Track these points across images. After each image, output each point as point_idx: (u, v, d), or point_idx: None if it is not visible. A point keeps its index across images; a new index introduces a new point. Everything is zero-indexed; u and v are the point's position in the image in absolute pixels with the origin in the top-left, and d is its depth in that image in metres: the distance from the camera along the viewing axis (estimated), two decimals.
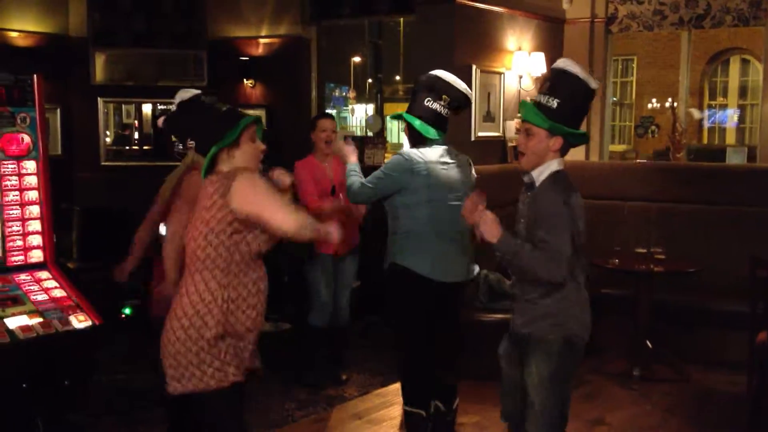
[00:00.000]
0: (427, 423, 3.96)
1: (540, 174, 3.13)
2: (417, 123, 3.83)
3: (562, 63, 3.17)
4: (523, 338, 3.22)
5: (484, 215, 3.09)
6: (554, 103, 3.07)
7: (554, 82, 3.13)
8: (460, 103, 3.90)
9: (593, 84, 3.13)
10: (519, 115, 6.93)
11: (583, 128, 3.23)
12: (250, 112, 8.17)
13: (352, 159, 4.02)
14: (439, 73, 3.88)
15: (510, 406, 3.40)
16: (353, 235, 5.15)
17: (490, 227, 3.07)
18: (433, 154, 3.83)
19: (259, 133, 2.97)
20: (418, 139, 3.86)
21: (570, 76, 3.10)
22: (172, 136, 4.02)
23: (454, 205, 3.80)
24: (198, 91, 3.01)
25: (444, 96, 3.81)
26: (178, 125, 3.07)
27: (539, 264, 3.01)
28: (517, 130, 7.15)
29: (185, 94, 3.02)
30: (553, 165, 3.13)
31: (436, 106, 3.81)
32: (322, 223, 2.97)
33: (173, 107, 3.10)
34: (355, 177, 3.92)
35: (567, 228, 3.02)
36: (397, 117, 4.03)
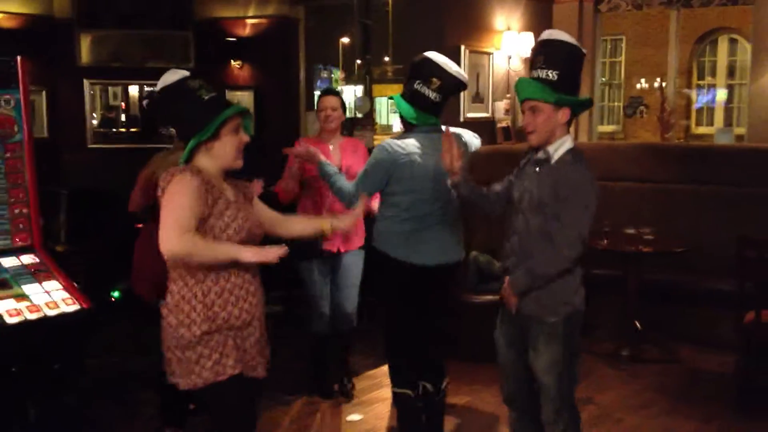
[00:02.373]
0: (415, 403, 3.96)
1: (556, 150, 3.08)
2: (403, 108, 3.76)
3: (549, 34, 3.10)
4: (525, 319, 3.19)
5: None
6: (554, 75, 2.99)
7: (547, 53, 3.04)
8: (452, 87, 3.74)
9: (582, 48, 3.09)
10: (508, 96, 6.95)
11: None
12: (238, 93, 8.23)
13: (320, 156, 3.91)
14: (431, 55, 3.73)
15: (511, 390, 3.38)
16: (358, 230, 4.68)
17: (509, 297, 3.17)
18: (416, 143, 3.74)
19: (248, 124, 2.84)
20: (405, 124, 3.81)
21: (563, 45, 3.03)
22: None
23: (437, 193, 3.74)
24: (185, 74, 2.83)
25: (433, 79, 3.66)
26: (159, 110, 2.94)
27: (553, 264, 3.04)
28: (506, 111, 7.17)
29: (170, 77, 2.82)
30: (567, 141, 3.09)
31: (425, 90, 3.67)
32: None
33: (156, 90, 2.97)
34: (343, 180, 3.86)
35: (590, 207, 3.01)
36: (392, 98, 3.99)
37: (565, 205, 2.98)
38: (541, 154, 3.12)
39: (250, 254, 2.69)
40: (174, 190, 2.67)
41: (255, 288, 2.88)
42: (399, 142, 3.75)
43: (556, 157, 3.08)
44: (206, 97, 2.75)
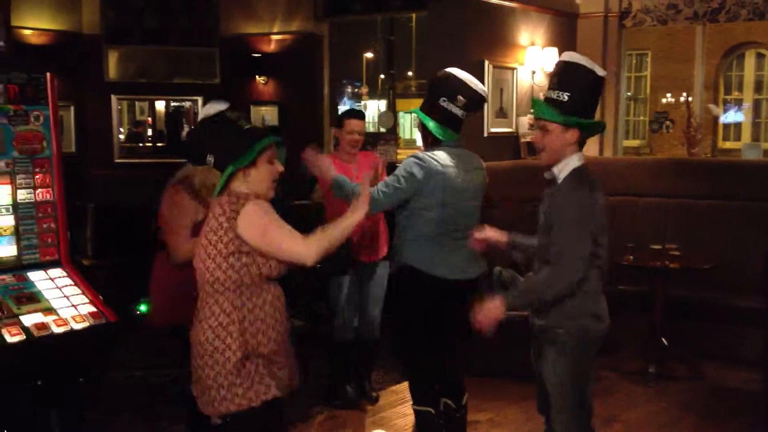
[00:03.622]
0: (437, 420, 3.94)
1: (561, 170, 3.14)
2: (431, 124, 3.75)
3: (566, 56, 3.18)
4: (539, 331, 3.24)
5: (481, 315, 3.15)
6: (564, 96, 3.08)
7: (561, 75, 3.13)
8: (475, 103, 3.80)
9: (600, 72, 3.11)
10: (531, 113, 6.94)
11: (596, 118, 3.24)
12: (263, 108, 8.30)
13: (331, 173, 3.86)
14: (454, 71, 3.77)
15: (540, 399, 3.41)
16: (382, 241, 4.81)
17: (489, 317, 3.15)
18: (448, 157, 3.75)
19: (282, 155, 2.93)
20: (431, 140, 3.80)
21: (576, 67, 3.10)
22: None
23: (466, 208, 3.79)
24: (225, 106, 2.95)
25: (459, 96, 3.71)
26: (200, 139, 3.01)
27: (550, 288, 3.05)
28: (530, 126, 7.15)
29: (211, 108, 2.95)
30: (573, 161, 3.13)
31: (450, 107, 3.71)
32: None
33: (200, 116, 3.06)
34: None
35: (586, 228, 3.02)
36: (412, 113, 3.96)
37: (557, 230, 3.04)
38: (548, 175, 3.20)
39: (362, 211, 2.90)
40: (257, 217, 2.76)
41: (283, 318, 2.93)
42: (433, 155, 3.74)
43: (561, 177, 3.15)
44: (246, 127, 2.85)
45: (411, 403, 4.02)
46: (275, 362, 2.90)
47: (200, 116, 2.96)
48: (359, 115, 4.88)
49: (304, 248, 2.77)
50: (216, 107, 2.93)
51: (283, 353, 2.95)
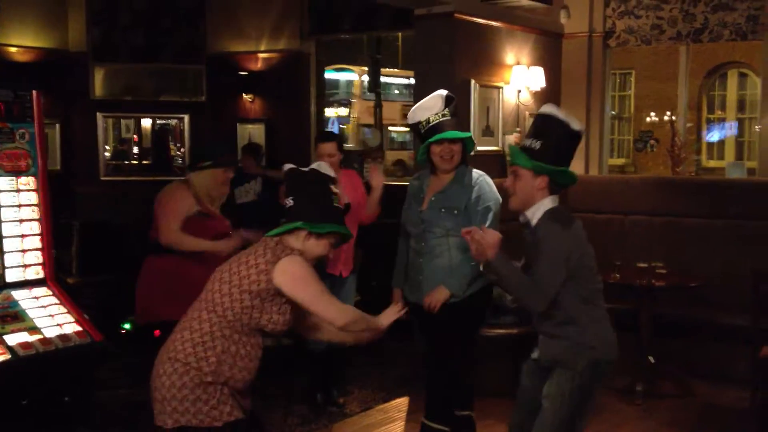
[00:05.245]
0: None
1: (534, 213, 3.25)
2: (471, 144, 3.95)
3: (545, 108, 3.34)
4: (548, 366, 3.30)
5: (489, 234, 3.16)
6: (537, 144, 3.22)
7: (538, 125, 3.29)
8: None
9: (575, 126, 3.24)
10: (517, 129, 6.98)
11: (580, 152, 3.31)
12: (249, 126, 8.27)
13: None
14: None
15: (518, 417, 3.45)
16: (352, 257, 5.05)
17: (485, 244, 3.14)
18: None
19: (336, 245, 3.07)
20: (464, 160, 3.96)
21: (551, 119, 3.24)
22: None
23: None
24: (334, 176, 3.04)
25: None
26: (292, 184, 3.05)
27: (523, 291, 3.16)
28: (517, 144, 7.18)
29: (323, 168, 3.04)
30: (546, 203, 3.25)
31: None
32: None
33: (313, 166, 3.09)
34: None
35: (560, 260, 3.11)
36: (460, 138, 3.92)
37: (536, 263, 3.14)
38: (522, 218, 3.32)
39: (391, 318, 3.17)
40: (298, 268, 2.87)
41: (255, 368, 2.97)
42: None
43: (535, 220, 3.26)
44: (336, 204, 2.99)
45: (399, 421, 4.02)
46: (243, 397, 2.96)
47: (313, 165, 3.06)
48: (329, 137, 5.02)
49: (335, 313, 2.92)
50: (328, 170, 3.03)
51: (247, 394, 3.00)
